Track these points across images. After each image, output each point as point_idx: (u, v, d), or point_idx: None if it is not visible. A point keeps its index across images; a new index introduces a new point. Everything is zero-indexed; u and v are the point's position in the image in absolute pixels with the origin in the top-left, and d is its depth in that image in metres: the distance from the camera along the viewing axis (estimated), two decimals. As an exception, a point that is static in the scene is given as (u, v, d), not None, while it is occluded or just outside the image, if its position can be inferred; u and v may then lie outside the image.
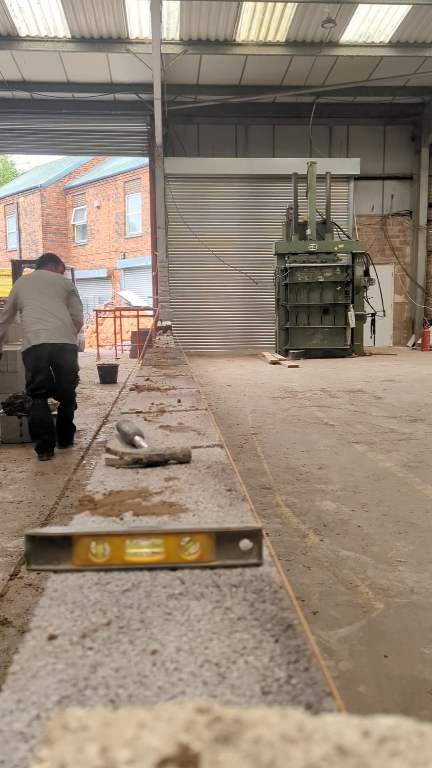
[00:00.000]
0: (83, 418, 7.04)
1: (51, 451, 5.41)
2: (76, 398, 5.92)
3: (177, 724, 0.38)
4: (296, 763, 0.35)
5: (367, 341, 14.49)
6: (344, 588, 2.77)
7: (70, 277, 14.23)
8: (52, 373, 5.50)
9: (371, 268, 13.87)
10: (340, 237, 14.80)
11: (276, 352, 14.11)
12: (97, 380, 10.50)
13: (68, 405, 5.69)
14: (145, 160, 18.56)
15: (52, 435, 5.46)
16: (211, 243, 15.82)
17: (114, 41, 12.79)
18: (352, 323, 13.50)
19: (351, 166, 15.82)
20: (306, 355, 13.35)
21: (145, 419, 1.94)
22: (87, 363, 11.96)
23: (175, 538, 0.83)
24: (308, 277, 13.48)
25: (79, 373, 5.93)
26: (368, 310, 13.99)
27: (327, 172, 14.30)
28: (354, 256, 13.57)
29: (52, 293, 5.48)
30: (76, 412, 5.90)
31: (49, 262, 5.89)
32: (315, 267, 13.42)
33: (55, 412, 5.76)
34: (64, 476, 4.79)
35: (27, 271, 14.31)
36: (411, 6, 11.85)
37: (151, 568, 0.83)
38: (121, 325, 16.90)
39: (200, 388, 2.71)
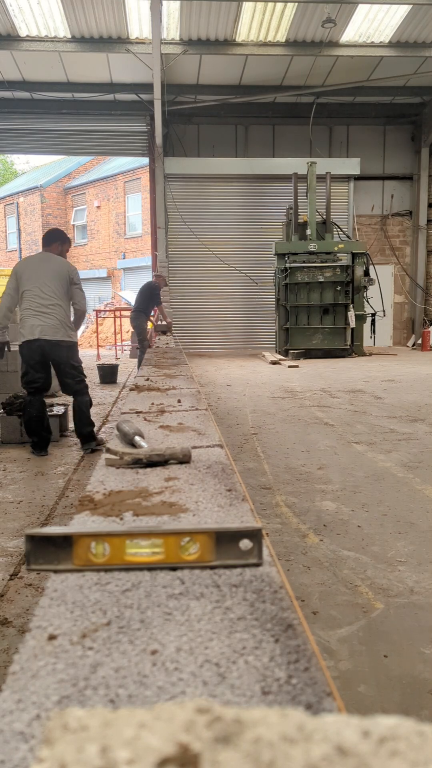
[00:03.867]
0: (83, 418, 7.03)
1: (45, 449, 5.47)
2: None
3: (177, 724, 0.38)
4: (296, 763, 0.35)
5: (367, 341, 14.49)
6: (344, 588, 2.77)
7: None
8: (51, 369, 5.45)
9: (371, 268, 13.87)
10: (340, 237, 14.80)
11: (276, 352, 14.10)
12: (97, 380, 10.51)
13: (80, 397, 5.48)
14: (145, 160, 18.56)
15: (48, 432, 5.51)
16: (211, 243, 15.82)
17: (114, 41, 12.79)
18: (352, 323, 13.50)
19: (351, 166, 15.82)
20: (306, 355, 13.34)
21: (145, 419, 1.94)
22: (87, 363, 11.89)
23: (175, 538, 0.83)
24: (308, 277, 13.48)
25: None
26: (368, 310, 13.99)
27: (327, 172, 14.30)
28: (354, 256, 13.57)
29: (55, 283, 5.23)
30: None
31: (56, 240, 5.52)
32: (315, 267, 13.42)
33: (55, 409, 5.72)
34: (64, 476, 4.79)
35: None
36: (411, 6, 11.86)
37: (151, 568, 0.83)
38: (121, 325, 16.89)
39: (200, 388, 2.71)
